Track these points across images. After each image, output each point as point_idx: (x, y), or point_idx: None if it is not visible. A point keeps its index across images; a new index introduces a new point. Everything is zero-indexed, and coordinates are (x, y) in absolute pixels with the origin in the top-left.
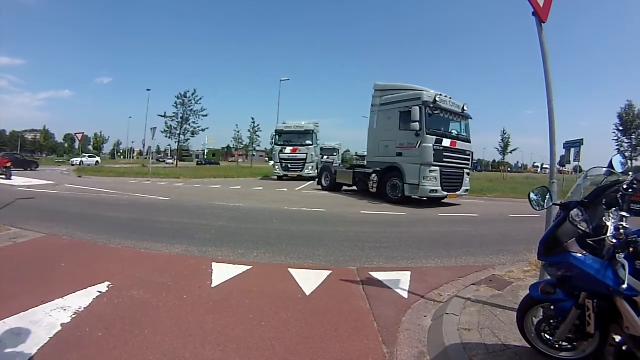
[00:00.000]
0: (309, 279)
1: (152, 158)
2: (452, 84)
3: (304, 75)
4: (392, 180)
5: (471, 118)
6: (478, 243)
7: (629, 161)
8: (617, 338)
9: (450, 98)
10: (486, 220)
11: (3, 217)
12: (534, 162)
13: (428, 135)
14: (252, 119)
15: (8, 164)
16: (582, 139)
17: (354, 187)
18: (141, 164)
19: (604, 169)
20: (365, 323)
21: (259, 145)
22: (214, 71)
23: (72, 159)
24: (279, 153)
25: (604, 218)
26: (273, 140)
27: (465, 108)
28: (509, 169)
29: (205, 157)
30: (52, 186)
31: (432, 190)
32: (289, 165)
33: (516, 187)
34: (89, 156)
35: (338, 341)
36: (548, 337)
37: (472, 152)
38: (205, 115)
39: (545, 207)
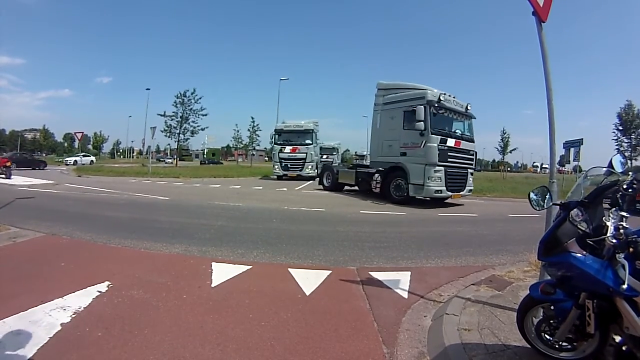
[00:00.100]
0: (309, 279)
1: (152, 158)
2: (452, 84)
3: (304, 75)
4: (396, 180)
5: (475, 118)
6: (478, 243)
7: (629, 161)
8: (617, 338)
9: (454, 97)
10: (486, 220)
11: (3, 216)
12: (534, 162)
13: (433, 135)
14: (252, 118)
15: (8, 164)
16: (582, 139)
17: (356, 188)
18: (141, 164)
19: (604, 169)
20: (365, 323)
21: (258, 145)
22: (214, 71)
23: (66, 159)
24: (278, 153)
25: (604, 218)
26: (273, 140)
27: (469, 108)
28: (508, 169)
29: (205, 156)
30: (52, 186)
31: (437, 191)
32: (289, 165)
33: (516, 187)
34: (84, 155)
35: (338, 341)
36: (548, 337)
37: (475, 152)
38: (205, 115)
39: (545, 207)
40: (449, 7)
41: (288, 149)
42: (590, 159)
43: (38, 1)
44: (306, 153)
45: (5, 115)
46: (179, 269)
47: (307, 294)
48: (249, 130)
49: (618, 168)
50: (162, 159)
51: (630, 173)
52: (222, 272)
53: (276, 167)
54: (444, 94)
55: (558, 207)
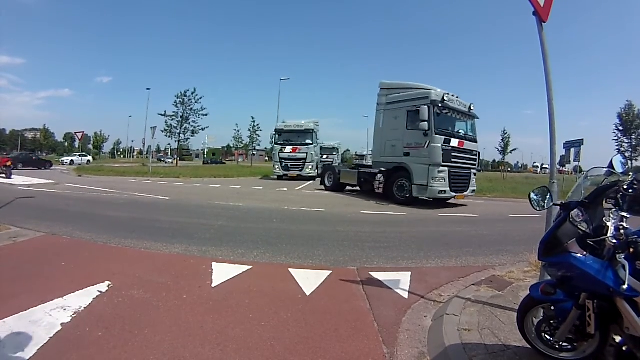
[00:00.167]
0: (309, 279)
1: (152, 157)
2: (452, 84)
3: (304, 75)
4: (399, 180)
5: (478, 118)
6: (478, 243)
7: (629, 161)
8: (618, 339)
9: (457, 97)
10: (486, 221)
11: (3, 216)
12: (534, 162)
13: (437, 135)
14: (252, 118)
15: (9, 163)
16: (582, 139)
17: (358, 188)
18: (141, 164)
19: (605, 169)
20: (365, 323)
21: (259, 145)
22: (214, 71)
23: (62, 159)
24: (279, 152)
25: (604, 219)
26: (273, 140)
27: (472, 108)
28: (509, 169)
29: (205, 156)
30: (52, 185)
31: (440, 191)
32: (289, 165)
33: (516, 187)
34: (80, 155)
35: (338, 341)
36: (548, 337)
37: (479, 153)
38: (206, 115)
39: (545, 207)
40: (449, 7)
41: (288, 149)
42: (591, 159)
43: (38, 1)
44: (306, 153)
45: (5, 115)
46: (179, 268)
47: (308, 294)
48: (249, 130)
49: (618, 168)
50: (162, 159)
51: (630, 173)
52: (222, 272)
53: (276, 167)
54: (448, 93)
55: (558, 207)
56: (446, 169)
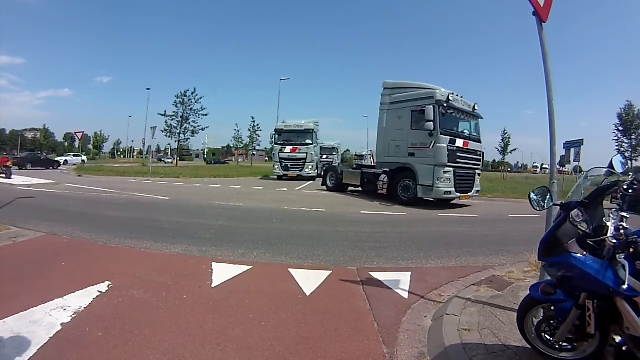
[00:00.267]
0: (309, 279)
1: (152, 157)
2: (452, 84)
3: (304, 75)
4: (404, 181)
5: (482, 118)
6: (478, 243)
7: (629, 162)
8: (618, 339)
9: (462, 97)
10: (486, 221)
11: (3, 216)
12: (534, 163)
13: (442, 136)
14: (252, 118)
15: (8, 163)
16: (582, 140)
17: (359, 188)
18: (141, 164)
19: (605, 169)
20: (365, 323)
21: (259, 145)
22: (214, 71)
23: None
24: (278, 153)
25: (604, 219)
26: (273, 140)
27: (476, 107)
28: (509, 169)
29: (205, 156)
30: (52, 185)
31: (446, 192)
32: (289, 165)
33: (516, 187)
34: (74, 155)
35: (338, 341)
36: (548, 337)
37: (483, 153)
38: (206, 115)
39: (545, 207)
40: (449, 7)
41: (288, 149)
42: (591, 159)
43: (38, 1)
44: (306, 153)
45: (5, 115)
46: (179, 269)
47: (308, 294)
48: (249, 130)
49: (618, 168)
50: (162, 159)
51: (630, 173)
52: (222, 272)
53: (276, 167)
54: (452, 93)
55: (558, 207)
56: (451, 169)
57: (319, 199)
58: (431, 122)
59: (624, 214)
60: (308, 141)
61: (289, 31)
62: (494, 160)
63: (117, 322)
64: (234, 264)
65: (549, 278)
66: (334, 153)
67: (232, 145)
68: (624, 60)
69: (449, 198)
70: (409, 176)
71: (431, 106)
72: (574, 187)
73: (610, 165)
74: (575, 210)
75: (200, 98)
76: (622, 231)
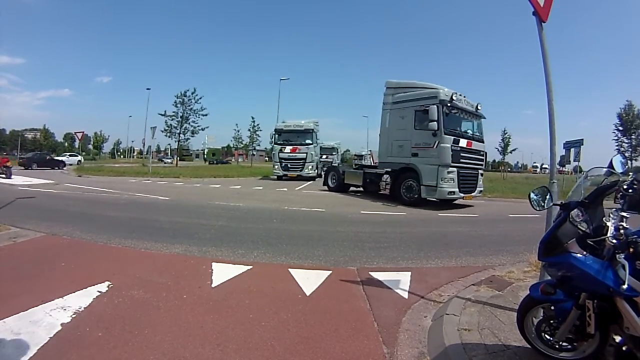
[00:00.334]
0: (309, 279)
1: (153, 157)
2: (452, 84)
3: (304, 75)
4: (407, 181)
5: (485, 118)
6: (478, 243)
7: (629, 161)
8: (618, 338)
9: (464, 97)
10: (486, 221)
11: (3, 216)
12: (534, 162)
13: (446, 136)
14: (252, 118)
15: (8, 163)
16: (582, 139)
17: (361, 189)
18: (141, 164)
19: (605, 169)
20: (365, 323)
21: (259, 145)
22: (214, 71)
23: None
24: (278, 153)
25: (604, 219)
26: (273, 140)
27: (479, 107)
28: (509, 169)
29: (205, 156)
30: (52, 185)
31: (450, 192)
32: (289, 165)
33: (516, 187)
34: (70, 155)
35: (338, 341)
36: (548, 337)
37: (485, 153)
38: (206, 115)
39: (545, 207)
40: (449, 7)
41: (288, 148)
42: (591, 159)
43: (38, 0)
44: (306, 153)
45: (5, 115)
46: (179, 269)
47: (308, 294)
48: (249, 130)
49: (618, 168)
50: (162, 159)
51: (630, 173)
52: (222, 272)
53: (276, 167)
54: (456, 93)
55: (558, 207)
56: (455, 169)
57: (319, 199)
58: (435, 122)
59: (623, 213)
60: (308, 141)
61: (289, 31)
62: (494, 160)
63: (117, 322)
64: (234, 264)
65: (549, 278)
66: (334, 153)
67: (232, 146)
68: (624, 60)
69: (452, 198)
70: (412, 176)
71: (435, 106)
72: (574, 187)
73: (610, 165)
74: (575, 210)
75: (200, 98)
76: (622, 231)
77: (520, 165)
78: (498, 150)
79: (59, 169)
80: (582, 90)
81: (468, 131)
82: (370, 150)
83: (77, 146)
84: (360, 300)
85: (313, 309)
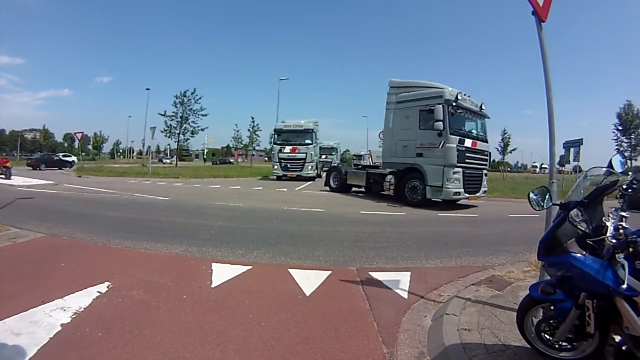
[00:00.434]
0: (309, 280)
1: (152, 158)
2: (452, 84)
3: (304, 75)
4: (411, 182)
5: (489, 117)
6: (478, 243)
7: (628, 161)
8: (617, 338)
9: (469, 97)
10: (486, 221)
11: (3, 217)
12: (534, 162)
13: (452, 136)
14: (252, 118)
15: (8, 164)
16: (581, 139)
17: (362, 189)
18: (141, 164)
19: (604, 169)
20: (365, 323)
21: (258, 145)
22: (214, 71)
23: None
24: (278, 153)
25: (603, 218)
26: (272, 140)
27: (483, 107)
28: (508, 169)
29: (205, 156)
30: (52, 186)
31: (455, 193)
32: (289, 165)
33: (516, 187)
34: (64, 155)
35: (338, 341)
36: (548, 337)
37: (490, 153)
38: (205, 115)
39: (545, 207)
40: (449, 7)
41: (288, 149)
42: (590, 159)
43: (38, 0)
44: (306, 153)
45: (5, 115)
46: (179, 269)
47: (307, 294)
48: (249, 130)
49: (618, 168)
50: (162, 159)
51: (630, 173)
52: (222, 273)
53: (276, 167)
54: (460, 92)
55: (558, 207)
56: (460, 170)
57: (318, 199)
58: (441, 122)
59: (623, 213)
60: (307, 141)
61: (289, 31)
62: (494, 160)
63: (117, 323)
64: (234, 264)
65: (549, 278)
66: (334, 153)
67: (231, 146)
68: (623, 60)
69: (458, 199)
70: (416, 177)
71: (440, 105)
72: (573, 186)
73: (610, 165)
74: (575, 209)
75: (200, 98)
76: (621, 231)
77: (520, 165)
78: (498, 150)
79: (66, 168)
80: (581, 90)
81: (472, 131)
82: (369, 150)
83: (76, 146)
84: (360, 300)
85: (313, 309)
